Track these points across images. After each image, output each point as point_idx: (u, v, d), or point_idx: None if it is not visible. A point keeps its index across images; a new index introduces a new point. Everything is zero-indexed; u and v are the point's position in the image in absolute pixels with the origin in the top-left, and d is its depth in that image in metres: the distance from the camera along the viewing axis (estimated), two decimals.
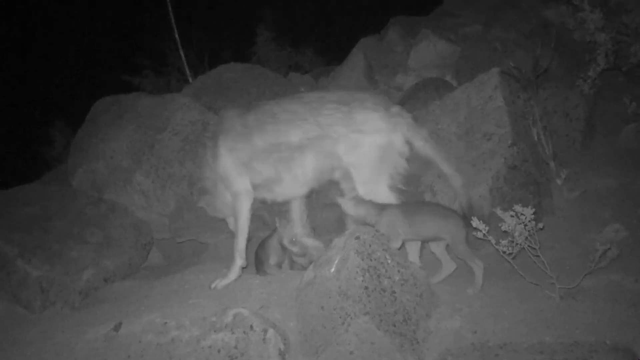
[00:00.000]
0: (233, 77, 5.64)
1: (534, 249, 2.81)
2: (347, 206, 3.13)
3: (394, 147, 3.13)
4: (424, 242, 3.24)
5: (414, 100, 4.79)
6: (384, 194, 3.14)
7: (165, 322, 2.79)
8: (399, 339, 2.56)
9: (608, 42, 4.45)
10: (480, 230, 2.80)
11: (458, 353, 2.50)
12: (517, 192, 3.57)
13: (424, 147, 3.18)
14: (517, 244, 2.82)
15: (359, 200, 3.11)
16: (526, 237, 2.79)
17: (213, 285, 3.34)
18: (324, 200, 4.51)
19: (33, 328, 3.51)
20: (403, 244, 3.11)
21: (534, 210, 2.74)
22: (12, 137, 10.03)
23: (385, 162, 3.13)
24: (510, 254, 2.88)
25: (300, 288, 2.89)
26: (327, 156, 3.21)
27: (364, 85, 5.84)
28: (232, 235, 4.36)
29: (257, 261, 3.67)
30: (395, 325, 2.60)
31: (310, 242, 3.59)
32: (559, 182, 3.84)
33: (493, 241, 2.83)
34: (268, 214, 4.50)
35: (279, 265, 3.64)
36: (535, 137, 3.89)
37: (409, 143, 3.16)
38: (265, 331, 2.64)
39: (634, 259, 3.03)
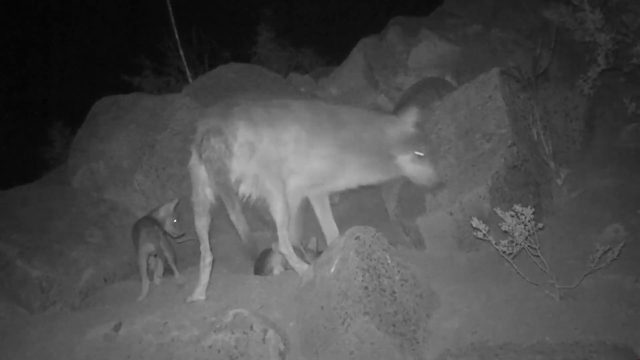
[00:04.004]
0: (233, 77, 5.64)
1: (534, 249, 2.81)
2: None
3: None
4: None
5: (414, 101, 4.79)
6: None
7: (165, 322, 2.79)
8: (399, 339, 2.56)
9: (608, 43, 4.44)
10: (480, 230, 2.80)
11: (458, 353, 2.50)
12: (517, 192, 3.57)
13: None
14: (517, 244, 2.82)
15: None
16: (526, 237, 2.79)
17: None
18: None
19: (33, 328, 3.51)
20: None
21: (534, 210, 2.74)
22: (12, 137, 10.02)
23: None
24: (510, 254, 2.88)
25: (300, 288, 2.89)
26: None
27: (364, 85, 5.84)
28: (231, 235, 4.36)
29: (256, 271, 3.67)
30: (395, 325, 2.60)
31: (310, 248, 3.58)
32: (559, 182, 3.84)
33: (493, 241, 2.83)
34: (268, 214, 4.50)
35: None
36: (535, 137, 3.88)
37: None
38: (265, 331, 2.64)
39: (634, 259, 3.03)
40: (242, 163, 3.01)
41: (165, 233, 3.74)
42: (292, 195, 3.29)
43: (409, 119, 3.37)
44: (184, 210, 4.67)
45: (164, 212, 3.88)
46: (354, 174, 3.39)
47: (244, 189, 3.11)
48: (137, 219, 3.98)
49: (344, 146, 3.29)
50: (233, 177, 2.99)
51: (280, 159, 3.14)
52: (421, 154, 3.39)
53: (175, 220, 3.86)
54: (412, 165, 3.42)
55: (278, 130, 3.13)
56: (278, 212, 3.12)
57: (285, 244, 3.17)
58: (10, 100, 10.58)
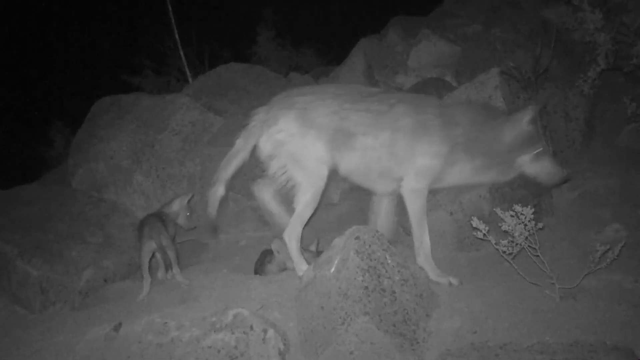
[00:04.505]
0: (233, 77, 5.64)
1: (534, 249, 2.81)
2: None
3: None
4: None
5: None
6: None
7: (165, 322, 2.79)
8: (399, 339, 2.56)
9: (608, 43, 4.44)
10: (480, 230, 2.80)
11: (458, 353, 2.50)
12: (517, 192, 3.57)
13: None
14: (517, 244, 2.82)
15: None
16: (526, 237, 2.79)
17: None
18: (323, 200, 4.51)
19: (33, 328, 3.51)
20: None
21: (533, 210, 2.74)
22: (12, 137, 10.02)
23: None
24: (510, 254, 2.88)
25: (300, 288, 2.89)
26: None
27: (364, 85, 5.84)
28: (231, 235, 4.37)
29: (256, 271, 3.67)
30: (395, 325, 2.60)
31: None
32: None
33: (493, 241, 2.83)
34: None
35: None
36: None
37: None
38: (265, 331, 2.64)
39: (634, 259, 3.03)
40: (269, 146, 3.23)
41: (167, 230, 3.75)
42: (411, 196, 3.27)
43: (525, 117, 3.20)
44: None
45: (178, 206, 3.96)
46: (464, 175, 3.29)
47: (273, 169, 3.28)
48: (145, 215, 4.01)
49: (455, 146, 3.19)
50: (262, 155, 3.28)
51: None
52: (540, 151, 3.25)
53: (188, 214, 3.96)
54: (534, 165, 3.26)
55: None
56: (300, 204, 3.21)
57: (291, 235, 3.22)
58: (10, 100, 10.57)
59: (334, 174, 3.32)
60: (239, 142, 3.34)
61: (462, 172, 3.25)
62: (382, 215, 3.59)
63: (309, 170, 3.21)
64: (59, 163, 7.03)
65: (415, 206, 3.24)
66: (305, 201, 3.21)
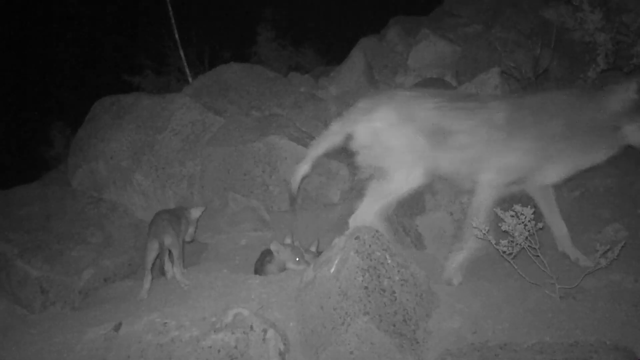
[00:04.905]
0: (233, 77, 5.64)
1: (534, 249, 2.80)
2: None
3: None
4: None
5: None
6: None
7: (165, 322, 2.79)
8: (399, 339, 2.56)
9: (608, 43, 4.45)
10: (481, 230, 2.80)
11: (458, 353, 2.50)
12: (517, 193, 3.56)
13: None
14: (517, 244, 2.82)
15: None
16: (526, 237, 2.79)
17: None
18: (323, 200, 4.52)
19: (33, 328, 3.50)
20: None
21: (533, 210, 2.74)
22: (12, 137, 10.03)
23: None
24: (510, 254, 2.88)
25: (300, 288, 2.89)
26: None
27: (364, 85, 5.84)
28: (231, 235, 4.36)
29: (256, 271, 3.67)
30: (395, 325, 2.60)
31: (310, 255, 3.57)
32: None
33: (493, 241, 2.83)
34: (268, 214, 4.51)
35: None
36: None
37: None
38: (265, 331, 2.64)
39: (634, 259, 3.03)
40: (365, 134, 3.19)
41: (176, 229, 3.71)
42: (485, 191, 3.21)
43: (632, 86, 3.14)
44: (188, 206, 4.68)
45: (196, 214, 3.95)
46: (571, 161, 3.21)
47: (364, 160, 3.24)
48: (160, 210, 3.98)
49: (550, 137, 3.13)
50: (356, 144, 3.22)
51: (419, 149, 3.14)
52: None
53: (193, 228, 3.94)
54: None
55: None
56: (385, 190, 3.18)
57: (361, 217, 3.19)
58: (10, 100, 10.58)
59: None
60: (335, 126, 3.32)
61: (570, 157, 3.19)
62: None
63: (403, 163, 3.15)
64: (59, 163, 7.02)
65: (481, 198, 3.20)
66: (395, 195, 3.16)
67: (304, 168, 3.40)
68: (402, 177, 3.15)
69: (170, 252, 3.64)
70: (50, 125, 8.32)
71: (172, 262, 3.66)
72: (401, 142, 3.14)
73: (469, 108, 3.17)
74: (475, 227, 2.84)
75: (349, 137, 3.26)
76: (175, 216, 3.79)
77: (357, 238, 2.79)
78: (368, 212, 3.21)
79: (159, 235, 3.56)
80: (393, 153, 3.15)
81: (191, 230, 3.91)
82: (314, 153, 3.38)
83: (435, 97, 3.21)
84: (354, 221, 3.22)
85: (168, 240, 3.57)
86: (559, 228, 3.29)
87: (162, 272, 3.75)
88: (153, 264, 3.63)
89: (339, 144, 3.31)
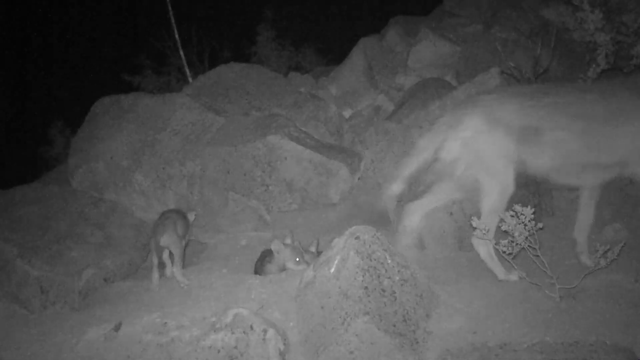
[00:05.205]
0: (233, 77, 5.64)
1: (534, 249, 2.81)
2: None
3: None
4: None
5: (413, 100, 4.79)
6: None
7: (165, 322, 2.79)
8: (399, 339, 2.56)
9: (608, 43, 4.45)
10: (481, 230, 2.80)
11: (458, 353, 2.50)
12: (517, 192, 3.56)
13: None
14: (517, 244, 2.82)
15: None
16: (526, 237, 2.79)
17: None
18: (323, 200, 4.52)
19: (33, 328, 3.51)
20: None
21: (533, 210, 2.74)
22: (12, 137, 10.03)
23: None
24: (510, 254, 2.88)
25: (300, 288, 2.89)
26: None
27: (364, 85, 5.84)
28: (231, 235, 4.36)
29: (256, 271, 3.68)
30: (395, 325, 2.60)
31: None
32: None
33: (493, 241, 2.83)
34: (268, 214, 4.51)
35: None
36: None
37: None
38: (265, 331, 2.64)
39: (634, 259, 3.04)
40: (454, 148, 3.13)
41: (178, 229, 3.75)
42: (590, 187, 3.22)
43: None
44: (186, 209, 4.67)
45: (191, 218, 3.98)
46: None
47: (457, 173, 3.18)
48: (166, 210, 4.05)
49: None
50: (446, 160, 3.17)
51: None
52: None
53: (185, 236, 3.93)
54: None
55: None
56: (486, 208, 3.09)
57: (479, 242, 3.12)
58: (10, 100, 10.58)
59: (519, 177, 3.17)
60: (422, 142, 3.27)
61: None
62: (584, 209, 3.38)
63: (495, 169, 3.07)
64: (59, 163, 7.03)
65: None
66: (490, 204, 3.05)
67: (394, 188, 3.34)
68: (498, 189, 3.06)
69: (170, 251, 3.66)
70: (50, 125, 8.32)
71: (172, 261, 3.68)
72: (491, 149, 3.07)
73: (558, 103, 3.07)
74: (475, 227, 2.84)
75: (438, 151, 3.19)
76: (182, 216, 3.83)
77: (357, 238, 2.79)
78: (422, 206, 3.22)
79: (155, 235, 3.60)
80: (484, 163, 3.08)
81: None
82: (406, 172, 3.29)
83: (519, 97, 3.14)
84: (407, 211, 3.24)
85: (164, 240, 3.59)
86: (589, 218, 3.25)
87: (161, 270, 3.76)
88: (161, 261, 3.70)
89: (429, 159, 3.24)
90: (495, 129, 3.05)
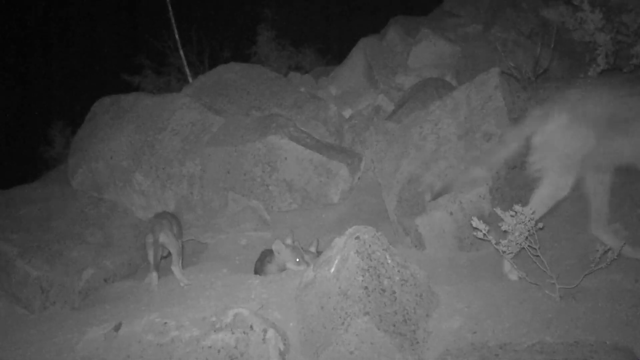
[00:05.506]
0: (233, 77, 5.64)
1: (534, 249, 2.80)
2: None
3: None
4: None
5: (413, 100, 4.79)
6: None
7: (165, 322, 2.79)
8: (399, 339, 2.56)
9: (608, 43, 4.45)
10: (480, 230, 2.80)
11: (458, 353, 2.50)
12: (517, 192, 3.57)
13: None
14: (517, 243, 2.82)
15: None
16: (526, 237, 2.79)
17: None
18: (323, 200, 4.52)
19: (33, 328, 3.51)
20: None
21: (533, 210, 2.74)
22: (12, 137, 10.02)
23: None
24: (510, 253, 2.88)
25: (300, 288, 2.89)
26: None
27: (364, 85, 5.84)
28: (231, 235, 4.35)
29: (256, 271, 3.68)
30: (395, 325, 2.60)
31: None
32: None
33: (493, 241, 2.83)
34: (268, 214, 4.51)
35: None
36: None
37: None
38: (265, 331, 2.64)
39: (634, 259, 3.03)
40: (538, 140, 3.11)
41: (173, 229, 3.80)
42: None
43: None
44: (184, 210, 4.68)
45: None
46: None
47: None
48: (161, 212, 4.12)
49: None
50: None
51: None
52: None
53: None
54: None
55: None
56: (538, 197, 3.10)
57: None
58: (10, 100, 10.58)
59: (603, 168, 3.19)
60: (509, 134, 3.27)
61: None
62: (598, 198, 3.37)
63: (562, 167, 3.09)
64: (59, 163, 7.03)
65: None
66: (541, 197, 3.08)
67: (477, 171, 3.32)
68: (554, 186, 3.09)
69: (155, 250, 3.68)
70: (50, 125, 8.32)
71: (156, 261, 3.71)
72: (566, 144, 3.07)
73: None
74: (475, 227, 2.84)
75: (526, 143, 3.19)
76: (175, 219, 3.88)
77: (357, 238, 2.79)
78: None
79: (155, 232, 3.63)
80: (554, 156, 3.09)
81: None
82: (493, 159, 3.30)
83: (614, 90, 3.11)
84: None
85: (163, 238, 3.62)
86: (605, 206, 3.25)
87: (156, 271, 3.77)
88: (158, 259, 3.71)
89: (518, 151, 3.24)
90: (580, 123, 3.06)
